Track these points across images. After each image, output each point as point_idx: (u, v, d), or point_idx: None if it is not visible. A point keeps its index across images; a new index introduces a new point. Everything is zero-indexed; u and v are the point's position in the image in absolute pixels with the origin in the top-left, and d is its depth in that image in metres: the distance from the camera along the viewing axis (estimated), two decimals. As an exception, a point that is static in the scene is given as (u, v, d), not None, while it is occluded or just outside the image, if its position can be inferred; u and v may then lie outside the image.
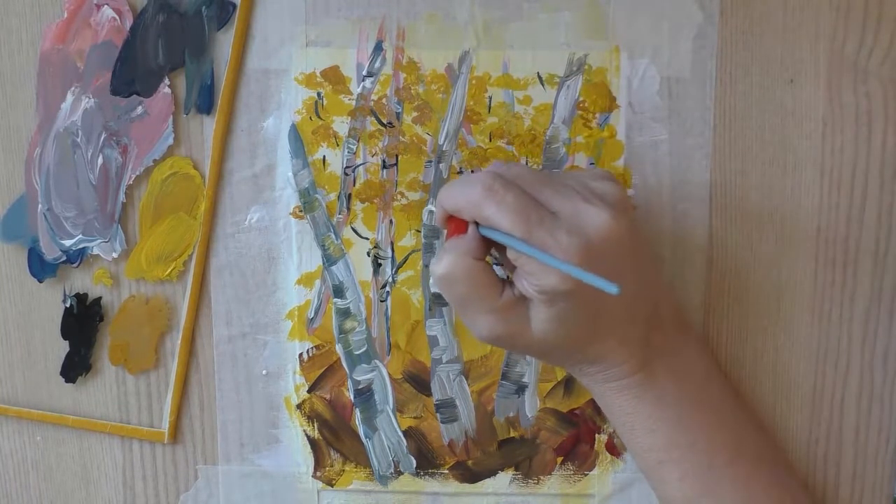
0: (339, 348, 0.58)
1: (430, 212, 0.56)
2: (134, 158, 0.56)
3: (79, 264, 0.58)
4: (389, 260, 0.57)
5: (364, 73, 0.55)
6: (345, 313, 0.57)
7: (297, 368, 0.58)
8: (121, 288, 0.58)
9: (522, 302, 0.46)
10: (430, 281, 0.57)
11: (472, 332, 0.49)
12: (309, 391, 0.58)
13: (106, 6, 0.55)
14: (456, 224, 0.47)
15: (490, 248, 0.47)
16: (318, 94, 0.55)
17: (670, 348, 0.50)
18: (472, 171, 0.55)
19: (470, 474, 0.58)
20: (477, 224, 0.46)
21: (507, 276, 0.51)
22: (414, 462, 0.58)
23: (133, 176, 0.56)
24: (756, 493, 0.51)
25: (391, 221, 0.56)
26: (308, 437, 0.58)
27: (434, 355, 0.57)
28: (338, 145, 0.56)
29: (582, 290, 0.44)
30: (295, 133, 0.56)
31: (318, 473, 0.59)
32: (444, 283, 0.46)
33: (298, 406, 0.58)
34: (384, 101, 0.55)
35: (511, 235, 0.44)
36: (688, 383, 0.51)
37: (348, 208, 0.56)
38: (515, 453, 0.58)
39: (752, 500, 0.50)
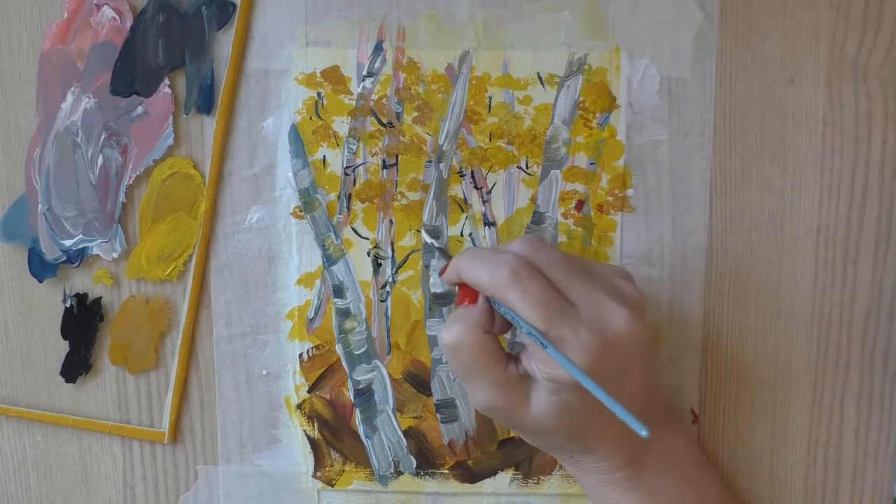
0: (339, 348, 0.58)
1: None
2: (134, 158, 0.56)
3: (79, 264, 0.58)
4: (389, 260, 0.57)
5: (364, 73, 0.55)
6: (345, 313, 0.57)
7: (297, 368, 0.58)
8: (121, 288, 0.58)
9: (526, 380, 0.46)
10: (431, 280, 0.57)
11: (471, 401, 0.49)
12: (309, 391, 0.58)
13: (106, 6, 0.55)
14: (467, 291, 0.47)
15: (497, 319, 0.47)
16: (318, 94, 0.55)
17: (662, 441, 0.50)
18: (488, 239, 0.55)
19: (470, 474, 0.58)
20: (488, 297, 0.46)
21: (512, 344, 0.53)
22: (414, 462, 0.58)
23: (133, 176, 0.56)
24: None
25: (391, 221, 0.56)
26: (308, 437, 0.58)
27: (434, 355, 0.57)
28: (338, 145, 0.56)
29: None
30: (295, 133, 0.56)
31: (318, 473, 0.59)
32: (451, 352, 0.47)
33: (298, 406, 0.58)
34: (384, 101, 0.55)
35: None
36: (678, 476, 0.51)
37: (348, 208, 0.56)
38: (515, 453, 0.58)
39: None
